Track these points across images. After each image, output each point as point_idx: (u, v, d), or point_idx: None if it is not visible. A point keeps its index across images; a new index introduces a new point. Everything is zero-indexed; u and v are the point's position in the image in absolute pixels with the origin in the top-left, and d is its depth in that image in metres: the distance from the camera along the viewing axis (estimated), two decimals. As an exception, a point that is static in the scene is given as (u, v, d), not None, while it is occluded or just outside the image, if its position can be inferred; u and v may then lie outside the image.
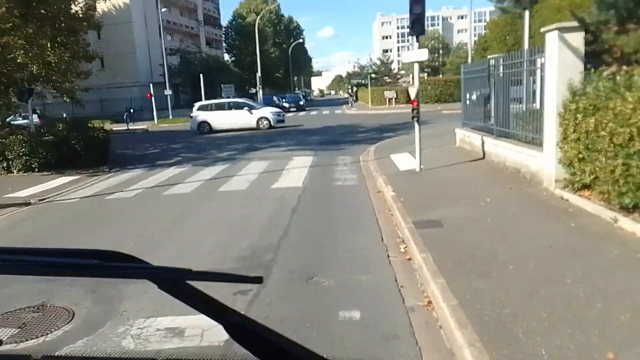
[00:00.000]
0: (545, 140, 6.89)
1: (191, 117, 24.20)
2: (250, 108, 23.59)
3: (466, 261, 4.46)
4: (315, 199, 7.97)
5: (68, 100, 16.87)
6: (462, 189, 7.41)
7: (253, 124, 23.09)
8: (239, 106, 23.76)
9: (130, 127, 29.88)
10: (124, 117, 30.10)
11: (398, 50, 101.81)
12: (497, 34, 43.29)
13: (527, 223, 5.50)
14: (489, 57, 10.72)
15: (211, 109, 23.75)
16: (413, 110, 9.01)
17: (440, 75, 50.32)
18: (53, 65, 14.41)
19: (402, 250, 5.26)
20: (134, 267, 0.84)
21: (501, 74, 8.99)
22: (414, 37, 9.07)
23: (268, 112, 23.89)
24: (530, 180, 7.42)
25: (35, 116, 36.30)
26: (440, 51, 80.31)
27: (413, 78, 10.38)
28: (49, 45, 14.09)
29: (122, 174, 12.20)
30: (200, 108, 23.90)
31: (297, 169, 11.08)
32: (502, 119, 9.12)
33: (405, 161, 10.73)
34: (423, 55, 8.84)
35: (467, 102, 11.37)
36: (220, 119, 23.25)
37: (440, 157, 10.63)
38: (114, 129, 30.46)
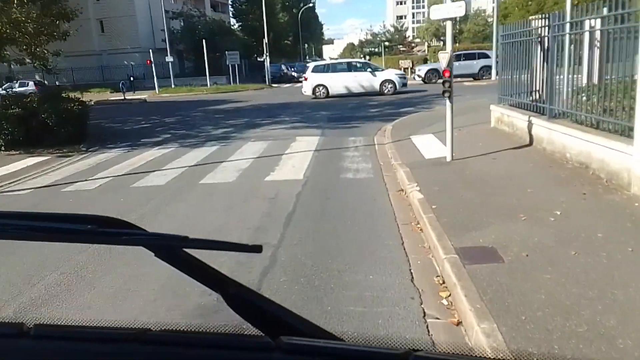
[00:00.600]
0: (639, 128, 4.96)
1: (305, 79, 22.32)
2: (374, 69, 21.99)
3: (563, 346, 2.66)
4: (318, 200, 6.16)
5: (40, 67, 14.84)
6: (514, 191, 5.54)
7: (376, 88, 21.26)
8: (360, 68, 22.00)
9: (127, 97, 28.01)
10: (120, 85, 28.16)
11: (413, 17, 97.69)
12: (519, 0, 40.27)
13: (635, 261, 3.66)
14: (533, 18, 8.63)
15: (328, 71, 21.91)
16: (444, 82, 7.06)
17: (457, 44, 47.35)
18: (21, 24, 12.46)
19: (445, 302, 3.48)
20: (130, 233, 0.83)
21: (565, 35, 6.93)
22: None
23: (393, 74, 22.05)
24: (607, 182, 5.53)
25: (31, 83, 34.65)
26: (457, 18, 76.55)
27: (445, 43, 8.20)
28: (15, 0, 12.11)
29: (98, 155, 10.46)
30: (315, 69, 22.02)
31: (299, 153, 9.23)
32: (560, 96, 7.15)
33: (430, 146, 8.83)
34: (459, 10, 6.84)
35: (506, 72, 9.33)
36: (339, 82, 21.33)
37: (474, 141, 8.69)
38: (110, 98, 28.92)
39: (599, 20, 6.23)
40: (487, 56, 26.33)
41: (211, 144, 10.87)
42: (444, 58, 6.98)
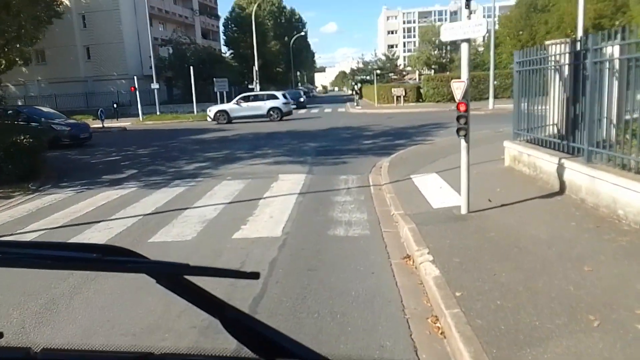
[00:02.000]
0: None
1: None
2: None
3: None
4: (298, 274, 4.59)
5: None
6: (567, 270, 4.02)
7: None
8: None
9: (107, 125, 26.50)
10: (99, 113, 26.66)
11: (404, 46, 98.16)
12: (511, 29, 39.86)
13: None
14: (550, 43, 7.32)
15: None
16: (459, 118, 5.60)
17: (448, 72, 46.75)
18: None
19: None
20: (133, 261, 0.86)
21: (613, 63, 5.55)
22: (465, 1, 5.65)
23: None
24: (691, 256, 4.04)
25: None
26: (448, 47, 76.55)
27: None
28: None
29: (44, 197, 8.86)
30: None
31: (280, 197, 7.70)
32: (605, 135, 5.74)
33: (436, 190, 7.34)
34: (478, 29, 5.45)
35: (524, 104, 7.95)
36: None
37: (489, 185, 7.22)
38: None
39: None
40: (275, 97, 26.62)
41: (180, 183, 9.32)
42: (458, 88, 5.56)
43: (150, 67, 33.51)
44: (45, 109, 20.14)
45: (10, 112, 18.06)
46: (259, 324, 0.87)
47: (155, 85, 31.92)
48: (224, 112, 25.83)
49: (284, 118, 25.80)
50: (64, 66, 40.23)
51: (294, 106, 39.17)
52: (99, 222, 6.78)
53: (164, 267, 0.87)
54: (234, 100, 26.50)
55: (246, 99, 26.35)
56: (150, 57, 33.40)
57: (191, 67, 32.44)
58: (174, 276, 0.87)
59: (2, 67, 12.97)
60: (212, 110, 26.26)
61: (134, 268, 0.90)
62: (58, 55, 39.72)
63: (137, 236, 5.98)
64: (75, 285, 4.54)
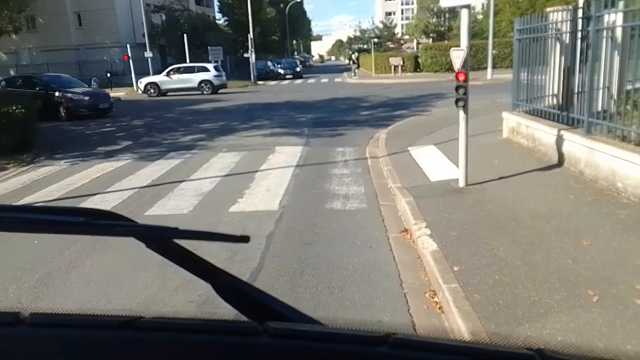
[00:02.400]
0: None
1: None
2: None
3: None
4: (295, 248, 4.57)
5: None
6: (565, 243, 4.00)
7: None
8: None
9: (101, 95, 26.03)
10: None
11: (402, 14, 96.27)
12: (509, -4, 38.89)
13: None
14: (551, 10, 7.14)
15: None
16: (458, 88, 5.49)
17: (447, 41, 45.98)
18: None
19: None
20: (121, 224, 0.85)
21: (616, 31, 5.41)
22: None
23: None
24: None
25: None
26: (447, 14, 75.09)
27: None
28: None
29: (39, 169, 8.76)
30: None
31: (277, 170, 7.63)
32: (605, 105, 5.66)
33: (434, 162, 7.29)
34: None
35: (524, 74, 7.81)
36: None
37: (487, 158, 7.17)
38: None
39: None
40: (206, 69, 25.54)
41: (177, 154, 9.21)
42: (457, 57, 5.42)
43: (143, 35, 32.73)
44: (64, 77, 18.92)
45: (19, 80, 17.53)
46: (251, 288, 0.86)
47: (148, 54, 31.23)
48: (155, 84, 25.28)
49: (219, 92, 24.60)
50: (55, 34, 39.28)
51: (291, 76, 38.80)
52: (94, 194, 6.72)
53: (152, 231, 0.85)
54: (165, 72, 25.77)
55: (177, 71, 25.52)
56: (142, 24, 32.59)
57: (185, 35, 31.72)
58: (163, 239, 0.85)
59: None
60: (142, 82, 25.62)
61: (122, 232, 0.88)
62: (49, 22, 38.72)
63: (133, 209, 5.93)
64: (72, 259, 4.52)
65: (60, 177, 7.93)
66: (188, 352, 0.68)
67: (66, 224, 0.83)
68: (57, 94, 16.15)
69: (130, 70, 30.38)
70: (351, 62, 39.05)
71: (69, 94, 16.34)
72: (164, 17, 40.04)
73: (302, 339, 0.68)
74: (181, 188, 6.80)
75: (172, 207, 5.93)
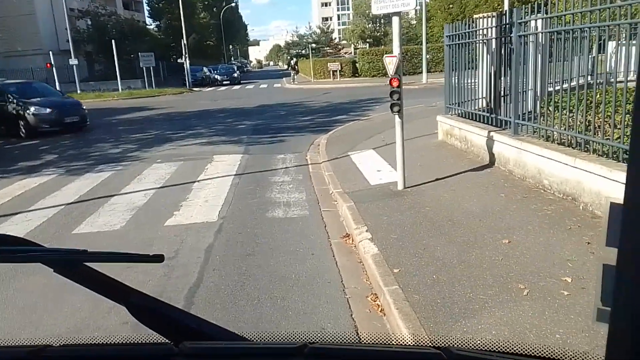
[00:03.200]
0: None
1: None
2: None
3: None
4: (236, 260, 4.45)
5: None
6: (497, 240, 4.16)
7: None
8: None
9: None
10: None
11: (338, 19, 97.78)
12: (442, 2, 40.57)
13: None
14: (482, 16, 7.50)
15: None
16: (393, 94, 5.60)
17: (383, 46, 47.24)
18: None
19: None
20: (26, 250, 0.81)
21: (537, 36, 5.73)
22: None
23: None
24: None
25: None
26: (382, 20, 77.21)
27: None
28: None
29: (-49, 188, 8.01)
30: None
31: (215, 180, 7.44)
32: (530, 107, 5.97)
33: (373, 167, 7.39)
34: (407, 2, 5.41)
35: (455, 78, 8.12)
36: None
37: (424, 160, 7.38)
38: None
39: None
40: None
41: (104, 169, 8.75)
42: (390, 63, 5.53)
43: (67, 41, 31.10)
44: (35, 84, 16.25)
45: None
46: (167, 307, 0.84)
47: (73, 61, 29.70)
48: None
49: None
50: (-34, 41, 36.44)
51: (228, 82, 38.21)
52: (15, 214, 6.23)
53: (60, 255, 0.82)
54: None
55: None
56: (66, 29, 30.96)
57: (112, 41, 30.44)
58: (72, 264, 0.81)
59: None
60: None
61: (27, 257, 0.84)
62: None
63: (59, 228, 5.55)
64: (-10, 286, 4.14)
65: (-25, 196, 7.29)
66: None
67: None
68: (14, 105, 13.65)
69: (54, 79, 28.68)
70: (290, 67, 38.90)
71: (30, 106, 13.54)
72: (89, 23, 38.24)
73: (218, 357, 0.67)
74: (112, 203, 6.45)
75: (103, 224, 5.61)
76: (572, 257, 3.73)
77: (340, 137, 10.60)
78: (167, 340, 0.73)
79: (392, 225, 4.76)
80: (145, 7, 54.97)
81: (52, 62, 28.06)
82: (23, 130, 13.48)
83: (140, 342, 0.70)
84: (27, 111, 13.39)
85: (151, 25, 52.54)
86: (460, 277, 3.57)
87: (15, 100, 13.71)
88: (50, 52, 29.47)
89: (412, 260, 3.91)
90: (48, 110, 13.67)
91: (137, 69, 33.28)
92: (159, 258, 0.80)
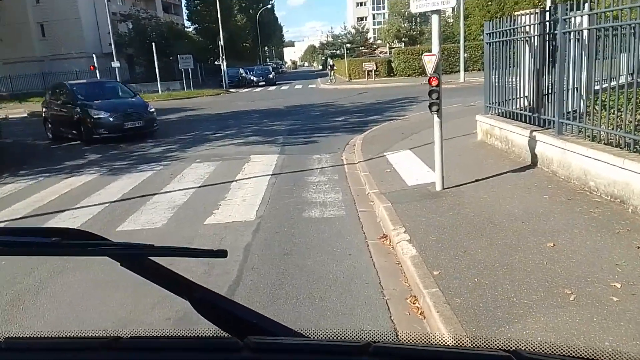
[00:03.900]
0: None
1: None
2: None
3: None
4: (274, 259, 4.49)
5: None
6: (541, 244, 4.03)
7: None
8: None
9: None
10: (47, 92, 25.45)
11: (374, 19, 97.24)
12: (479, 0, 39.72)
13: None
14: (520, 14, 7.29)
15: None
16: (431, 93, 5.52)
17: (419, 45, 46.67)
18: None
19: None
20: (94, 244, 0.82)
21: (582, 33, 5.53)
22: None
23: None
24: (660, 226, 4.13)
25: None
26: (418, 19, 76.35)
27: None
28: None
29: (3, 187, 8.40)
30: None
31: (253, 179, 7.53)
32: (575, 106, 5.77)
33: (411, 167, 7.31)
34: (447, 0, 5.31)
35: (495, 77, 7.94)
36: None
37: (463, 160, 7.25)
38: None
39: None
40: None
41: (147, 167, 9.00)
42: (429, 62, 5.45)
43: (110, 44, 32.16)
44: (107, 84, 15.17)
45: (57, 89, 14.13)
46: (230, 303, 0.85)
47: (115, 64, 30.67)
48: None
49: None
50: (17, 45, 38.14)
51: (263, 83, 38.62)
52: (62, 211, 6.49)
53: (127, 249, 0.84)
54: None
55: None
56: (109, 33, 32.04)
57: (153, 44, 31.29)
58: (138, 258, 0.83)
59: None
60: None
61: (96, 251, 0.86)
62: (11, 33, 37.51)
63: (103, 225, 5.75)
64: (41, 279, 4.34)
65: (26, 194, 7.63)
66: None
67: (37, 245, 0.81)
68: (77, 108, 12.61)
69: (100, 81, 29.70)
70: (328, 67, 38.68)
71: (90, 109, 12.39)
72: (130, 26, 39.45)
73: (283, 352, 0.67)
74: (154, 201, 6.63)
75: (145, 222, 5.77)
76: (622, 262, 3.57)
77: (376, 137, 10.54)
78: (230, 335, 0.74)
79: (430, 226, 4.69)
80: (184, 10, 56.29)
81: (96, 65, 29.07)
82: (82, 135, 12.57)
83: (206, 335, 0.72)
84: (87, 115, 12.34)
85: (189, 28, 53.70)
86: (503, 281, 3.48)
87: (79, 102, 12.71)
88: (94, 55, 30.57)
89: (453, 263, 3.85)
90: (107, 114, 12.34)
91: (175, 71, 34.06)
92: (222, 253, 0.80)
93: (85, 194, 7.32)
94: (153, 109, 13.50)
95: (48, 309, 3.86)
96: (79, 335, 0.76)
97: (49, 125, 14.12)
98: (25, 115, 24.44)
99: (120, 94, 14.20)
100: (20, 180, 8.84)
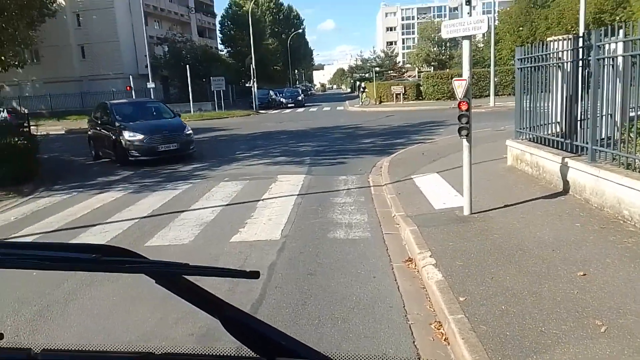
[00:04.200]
0: None
1: None
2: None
3: None
4: (298, 279, 4.48)
5: None
6: (572, 273, 3.91)
7: None
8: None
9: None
10: (93, 112, 26.40)
11: (403, 43, 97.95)
12: (510, 25, 39.57)
13: None
14: (552, 40, 7.22)
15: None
16: (461, 117, 5.49)
17: (448, 70, 46.62)
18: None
19: None
20: (132, 261, 0.85)
21: (617, 60, 5.44)
22: (465, -2, 5.54)
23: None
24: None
25: (3, 111, 33.07)
26: (448, 43, 76.39)
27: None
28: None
29: (39, 200, 8.73)
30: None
31: (279, 199, 7.59)
32: (609, 133, 5.65)
33: (438, 191, 7.24)
34: (479, 25, 5.34)
35: (526, 102, 7.85)
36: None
37: (492, 185, 7.14)
38: (84, 127, 27.20)
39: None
40: None
41: (176, 185, 9.18)
42: (459, 86, 5.45)
43: (146, 66, 33.27)
44: (147, 103, 14.99)
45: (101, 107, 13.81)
46: (259, 323, 0.87)
47: (151, 85, 31.67)
48: None
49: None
50: (58, 66, 39.88)
51: (292, 104, 39.12)
52: (94, 225, 6.67)
53: (163, 267, 0.86)
54: None
55: None
56: (145, 55, 33.16)
57: (187, 66, 32.22)
58: (173, 276, 0.86)
59: None
60: None
61: (133, 268, 0.88)
62: (52, 54, 39.34)
63: (133, 240, 5.87)
64: (70, 291, 4.44)
65: (60, 208, 7.89)
66: None
67: (78, 260, 0.84)
68: (114, 128, 12.39)
69: (135, 101, 30.68)
70: (360, 90, 38.59)
71: (125, 130, 12.05)
72: (166, 49, 40.79)
73: None
74: (182, 218, 6.75)
75: (173, 238, 5.87)
76: (659, 295, 3.43)
77: (403, 159, 10.50)
78: (259, 356, 0.76)
79: (457, 251, 4.61)
80: (218, 34, 57.97)
81: (132, 85, 30.07)
82: (118, 157, 12.30)
83: (236, 355, 0.74)
84: (121, 136, 12.03)
85: (223, 51, 55.16)
86: (532, 310, 3.38)
87: (117, 122, 12.44)
88: (131, 76, 31.67)
89: (479, 289, 3.76)
90: (140, 136, 11.91)
91: (208, 92, 34.92)
92: (255, 274, 0.82)
93: (116, 209, 7.51)
94: (190, 131, 12.97)
95: (75, 321, 3.94)
96: (112, 350, 0.78)
97: (92, 144, 14.01)
98: (63, 132, 25.36)
99: (159, 114, 13.77)
100: (55, 194, 9.15)
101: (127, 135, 12.00)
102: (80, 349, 0.80)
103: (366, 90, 36.59)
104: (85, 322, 3.91)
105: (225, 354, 0.78)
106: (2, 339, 0.87)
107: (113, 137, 12.41)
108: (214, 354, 0.79)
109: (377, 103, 34.38)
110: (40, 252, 0.88)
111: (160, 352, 0.76)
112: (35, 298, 4.32)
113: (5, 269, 0.86)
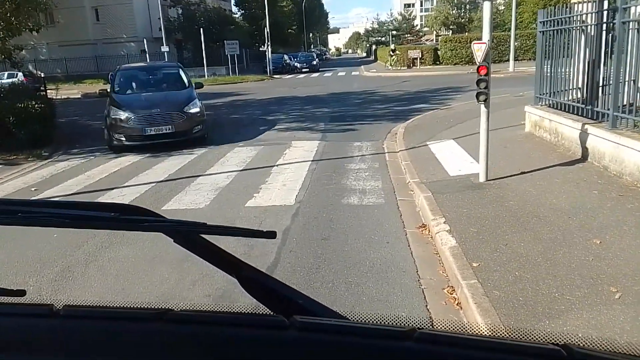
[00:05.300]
0: None
1: None
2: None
3: None
4: (312, 243, 4.53)
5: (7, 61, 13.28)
6: (587, 240, 3.89)
7: None
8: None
9: (119, 89, 26.26)
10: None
11: (421, 5, 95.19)
12: (533, -13, 38.00)
13: None
14: (576, 2, 6.94)
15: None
16: (479, 82, 5.37)
17: (467, 33, 45.30)
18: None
19: None
20: (150, 220, 0.86)
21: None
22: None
23: None
24: None
25: (20, 75, 33.12)
26: (467, 6, 73.90)
27: (482, 28, 6.47)
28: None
29: (57, 163, 8.86)
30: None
31: (293, 164, 7.60)
32: (632, 99, 5.49)
33: (453, 157, 7.18)
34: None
35: (547, 67, 7.62)
36: None
37: (508, 152, 7.04)
38: (99, 90, 27.26)
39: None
40: None
41: (191, 151, 9.23)
42: (479, 50, 5.30)
43: (160, 29, 32.92)
44: (169, 69, 12.03)
45: None
46: (276, 282, 0.87)
47: (165, 48, 31.38)
48: None
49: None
50: (73, 29, 39.58)
51: (307, 69, 38.61)
52: (111, 189, 6.78)
53: (181, 226, 0.87)
54: None
55: None
56: (159, 18, 32.79)
57: (201, 29, 31.82)
58: (190, 234, 0.87)
59: (14, 31, 12.75)
60: None
61: (152, 227, 0.90)
62: (67, 17, 39.06)
63: (149, 204, 5.94)
64: (90, 253, 4.56)
65: (78, 172, 8.01)
66: (216, 345, 0.69)
67: (97, 219, 0.86)
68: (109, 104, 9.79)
69: (149, 65, 30.56)
70: (389, 53, 36.47)
71: (112, 106, 9.50)
72: (180, 12, 40.23)
73: (328, 333, 0.68)
74: (198, 183, 6.81)
75: (189, 202, 5.95)
76: (676, 263, 3.40)
77: (419, 126, 10.37)
78: (276, 314, 0.76)
79: (471, 218, 4.61)
80: (232, -4, 56.84)
81: (146, 49, 29.88)
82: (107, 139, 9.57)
83: (254, 312, 0.74)
84: (108, 113, 9.42)
85: (237, 13, 54.24)
86: (545, 276, 3.39)
87: (113, 94, 9.98)
88: (145, 40, 31.44)
89: (493, 255, 3.77)
90: (124, 114, 9.08)
91: (222, 56, 34.52)
92: (272, 234, 0.82)
93: (133, 173, 7.61)
94: (197, 109, 9.64)
95: (95, 281, 4.06)
96: (132, 306, 0.80)
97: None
98: (79, 96, 25.49)
99: (170, 83, 10.76)
100: (73, 158, 9.28)
101: (111, 112, 9.25)
102: (99, 305, 0.82)
103: (397, 52, 35.18)
104: (105, 283, 4.03)
105: (243, 311, 0.78)
106: (24, 295, 0.89)
107: (105, 112, 9.69)
108: (232, 311, 0.79)
109: (407, 67, 33.10)
110: (60, 210, 0.89)
111: (179, 309, 0.77)
112: (57, 259, 4.45)
113: (27, 226, 0.88)
